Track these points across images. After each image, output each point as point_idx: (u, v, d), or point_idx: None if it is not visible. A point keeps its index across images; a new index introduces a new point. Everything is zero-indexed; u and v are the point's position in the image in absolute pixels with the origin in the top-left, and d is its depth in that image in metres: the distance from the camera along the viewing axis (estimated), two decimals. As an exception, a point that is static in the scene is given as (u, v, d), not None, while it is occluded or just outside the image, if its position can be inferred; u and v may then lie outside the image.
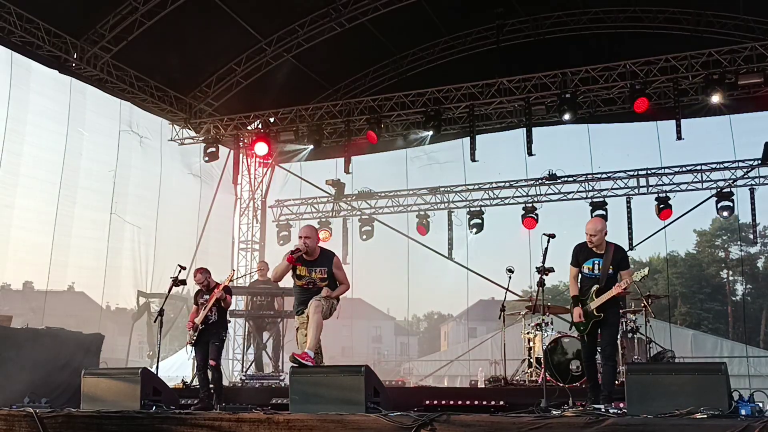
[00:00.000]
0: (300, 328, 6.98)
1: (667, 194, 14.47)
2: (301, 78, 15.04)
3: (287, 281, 10.40)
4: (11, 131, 11.77)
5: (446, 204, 16.41)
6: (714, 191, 14.38)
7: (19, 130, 11.95)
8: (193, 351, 8.89)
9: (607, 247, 7.06)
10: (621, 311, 9.77)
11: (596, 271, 7.05)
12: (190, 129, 15.05)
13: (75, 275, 13.17)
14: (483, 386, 10.60)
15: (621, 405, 6.10)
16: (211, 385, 8.61)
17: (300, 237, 7.00)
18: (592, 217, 14.45)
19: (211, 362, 8.51)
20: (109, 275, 13.49)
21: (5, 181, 11.62)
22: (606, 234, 7.12)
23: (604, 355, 7.13)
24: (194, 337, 8.64)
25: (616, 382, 8.73)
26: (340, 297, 7.10)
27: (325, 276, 6.96)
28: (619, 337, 9.57)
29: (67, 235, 12.64)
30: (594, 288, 7.02)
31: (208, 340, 8.61)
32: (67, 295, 13.95)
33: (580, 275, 7.22)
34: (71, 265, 12.82)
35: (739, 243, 32.95)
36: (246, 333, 12.65)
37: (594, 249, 7.09)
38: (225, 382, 11.33)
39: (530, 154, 12.88)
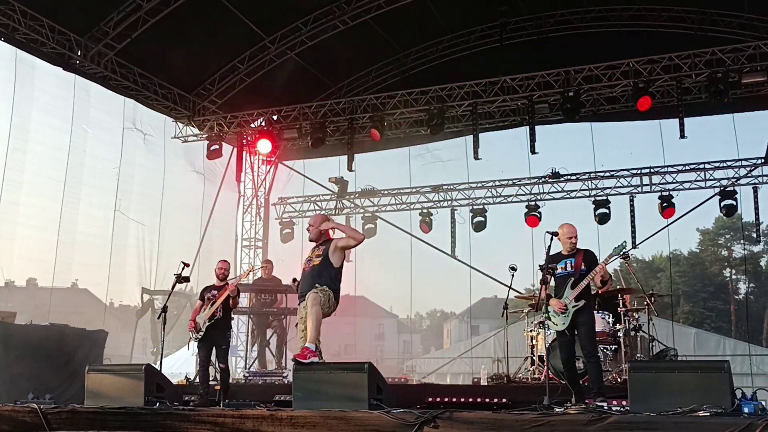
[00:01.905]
0: (299, 322, 7.00)
1: (670, 193, 14.49)
2: (305, 76, 15.05)
3: (288, 279, 10.45)
4: (16, 128, 11.81)
5: (449, 202, 16.42)
6: (717, 190, 14.38)
7: (23, 127, 11.98)
8: (196, 347, 8.85)
9: (577, 250, 7.31)
10: (625, 310, 9.83)
11: (569, 269, 7.23)
12: (193, 126, 15.06)
13: (79, 272, 13.20)
14: (486, 384, 10.61)
15: (624, 402, 6.11)
16: (216, 386, 8.62)
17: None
18: (594, 215, 14.50)
19: (221, 365, 8.53)
20: (113, 272, 13.52)
21: (11, 177, 11.64)
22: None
23: (585, 353, 7.18)
24: (199, 336, 8.60)
25: (619, 380, 8.78)
26: (340, 296, 7.08)
27: (321, 254, 7.02)
28: (621, 335, 9.59)
29: (72, 232, 12.67)
30: (569, 281, 7.16)
31: (213, 339, 8.58)
32: (71, 292, 13.97)
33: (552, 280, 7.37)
34: (76, 262, 12.85)
35: (742, 241, 32.98)
36: (249, 330, 12.69)
37: (564, 252, 7.34)
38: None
39: (533, 152, 12.86)
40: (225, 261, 9.23)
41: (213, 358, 8.85)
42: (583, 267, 7.17)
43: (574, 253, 7.27)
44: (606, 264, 7.16)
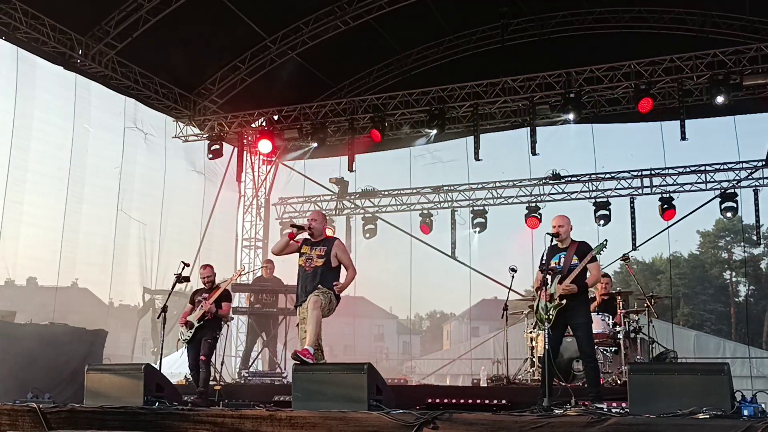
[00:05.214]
0: (300, 323, 6.99)
1: (671, 195, 14.49)
2: (306, 76, 15.05)
3: (289, 279, 10.39)
4: (19, 127, 11.79)
5: (449, 203, 16.41)
6: (718, 192, 14.37)
7: (26, 126, 11.96)
8: (185, 349, 8.88)
9: (571, 243, 7.23)
10: (624, 311, 9.81)
11: (561, 264, 7.16)
12: (194, 126, 15.06)
13: (82, 272, 13.17)
14: (485, 385, 10.61)
15: (623, 404, 6.11)
16: (215, 386, 8.59)
17: (308, 220, 7.27)
18: (595, 217, 14.52)
19: (202, 357, 8.51)
20: (116, 272, 13.52)
21: (15, 176, 11.63)
22: (570, 230, 7.30)
23: (584, 356, 7.14)
24: (189, 335, 8.63)
25: (619, 382, 8.77)
26: (341, 295, 7.09)
27: (323, 254, 7.02)
28: (621, 336, 9.58)
29: (76, 231, 12.65)
30: (557, 278, 7.09)
31: (202, 338, 8.62)
32: (71, 292, 13.94)
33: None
34: (79, 261, 12.83)
35: (742, 244, 32.84)
36: (247, 330, 12.69)
37: (559, 245, 7.25)
38: (228, 379, 11.36)
39: (534, 153, 12.87)
40: (206, 267, 9.04)
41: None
42: (573, 261, 7.08)
43: (566, 248, 7.19)
44: (584, 264, 7.02)
